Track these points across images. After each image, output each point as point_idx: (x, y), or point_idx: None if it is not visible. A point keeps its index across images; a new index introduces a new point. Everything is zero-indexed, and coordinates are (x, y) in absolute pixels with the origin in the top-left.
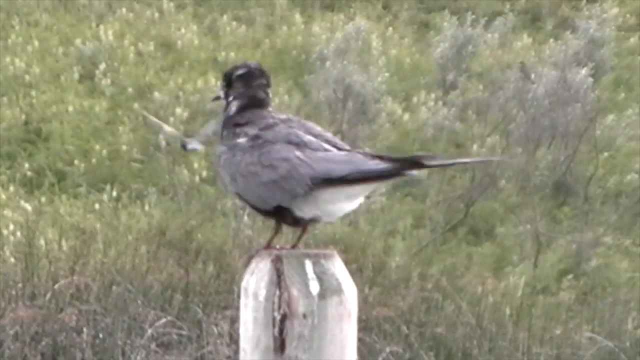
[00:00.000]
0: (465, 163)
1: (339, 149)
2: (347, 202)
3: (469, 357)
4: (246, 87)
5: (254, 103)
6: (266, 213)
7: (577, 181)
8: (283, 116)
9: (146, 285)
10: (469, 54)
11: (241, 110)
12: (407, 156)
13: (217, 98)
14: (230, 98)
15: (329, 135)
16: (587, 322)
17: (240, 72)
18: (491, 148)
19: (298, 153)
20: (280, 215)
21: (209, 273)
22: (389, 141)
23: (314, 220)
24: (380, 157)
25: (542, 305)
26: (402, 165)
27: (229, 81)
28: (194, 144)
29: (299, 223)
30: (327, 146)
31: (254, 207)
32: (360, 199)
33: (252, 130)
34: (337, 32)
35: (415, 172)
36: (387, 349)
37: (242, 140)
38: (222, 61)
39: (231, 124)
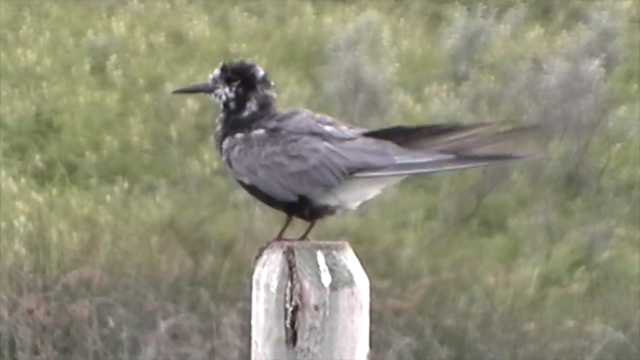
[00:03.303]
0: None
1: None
2: (374, 189)
3: (481, 348)
4: (267, 89)
5: (269, 103)
6: (282, 205)
7: (589, 173)
8: (287, 111)
9: (157, 277)
10: (480, 45)
11: (258, 109)
12: (449, 148)
13: (209, 90)
14: (251, 98)
15: (342, 125)
16: (598, 314)
17: (261, 73)
18: None
19: (326, 144)
20: (299, 206)
21: (220, 265)
22: None
23: (335, 210)
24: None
25: (554, 297)
26: (445, 161)
27: (244, 79)
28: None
29: (317, 214)
30: (349, 133)
31: (269, 199)
32: (385, 186)
33: (269, 123)
34: (349, 23)
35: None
36: (401, 342)
37: (259, 131)
38: (234, 53)
39: (245, 121)
